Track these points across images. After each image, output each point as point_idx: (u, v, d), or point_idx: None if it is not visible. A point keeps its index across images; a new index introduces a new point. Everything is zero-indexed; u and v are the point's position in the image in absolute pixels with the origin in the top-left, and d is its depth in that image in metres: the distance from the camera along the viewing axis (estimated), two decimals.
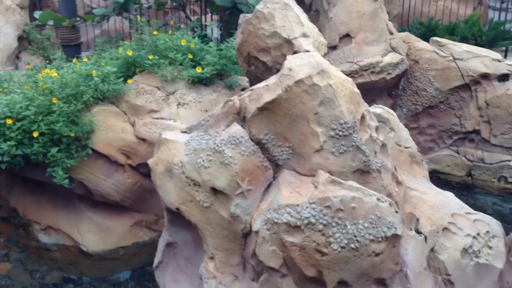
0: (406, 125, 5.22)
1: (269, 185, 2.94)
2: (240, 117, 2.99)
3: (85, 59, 4.85)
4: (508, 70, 4.96)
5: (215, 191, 2.94)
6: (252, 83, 3.39)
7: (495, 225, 3.05)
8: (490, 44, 7.27)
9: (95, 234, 4.42)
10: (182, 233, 3.32)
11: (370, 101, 4.91)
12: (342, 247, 2.56)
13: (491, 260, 2.88)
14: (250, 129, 2.91)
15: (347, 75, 4.80)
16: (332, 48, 5.06)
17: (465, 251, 2.88)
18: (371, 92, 5.11)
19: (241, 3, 5.06)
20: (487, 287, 2.86)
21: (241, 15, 3.36)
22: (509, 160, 4.96)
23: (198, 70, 4.50)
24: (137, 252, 4.48)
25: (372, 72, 4.98)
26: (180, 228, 3.30)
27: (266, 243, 2.74)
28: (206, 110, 4.42)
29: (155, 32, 4.94)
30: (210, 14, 7.28)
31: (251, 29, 3.20)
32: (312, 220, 2.59)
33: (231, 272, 2.99)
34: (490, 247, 2.93)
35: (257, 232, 2.80)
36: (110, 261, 4.42)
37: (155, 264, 3.38)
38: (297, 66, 2.76)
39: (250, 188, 2.88)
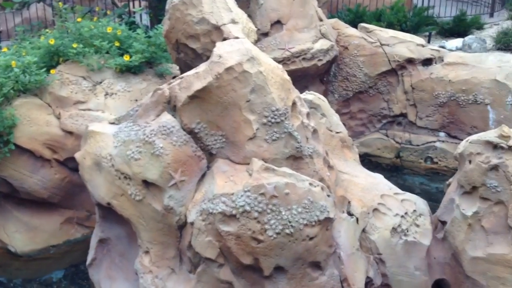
0: (338, 110, 5.35)
1: (203, 175, 2.90)
2: (171, 106, 2.91)
3: (4, 49, 4.56)
4: (431, 55, 5.16)
5: (147, 183, 2.86)
6: (182, 70, 3.32)
7: (422, 204, 3.19)
8: (414, 29, 7.55)
9: (22, 233, 4.20)
10: (115, 229, 3.23)
11: (303, 88, 4.97)
12: (277, 233, 2.58)
13: (418, 238, 3.01)
14: (181, 118, 2.85)
15: (280, 62, 4.85)
16: (264, 35, 5.05)
17: (394, 230, 2.99)
18: (303, 78, 5.16)
19: None
20: (415, 264, 2.98)
21: (168, 0, 3.27)
22: (434, 142, 5.19)
23: (126, 58, 4.34)
24: (69, 250, 4.30)
25: (303, 59, 5.02)
26: (112, 223, 3.20)
27: (201, 234, 2.71)
28: (136, 100, 4.28)
29: (79, 19, 4.71)
30: (138, 0, 7.06)
31: (178, 15, 3.12)
32: (247, 208, 2.58)
33: (167, 266, 2.94)
34: (417, 225, 3.05)
35: (192, 223, 2.76)
36: (41, 261, 4.23)
37: (88, 261, 3.27)
38: (227, 53, 2.72)
39: (184, 179, 2.82)
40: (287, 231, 2.58)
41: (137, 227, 2.95)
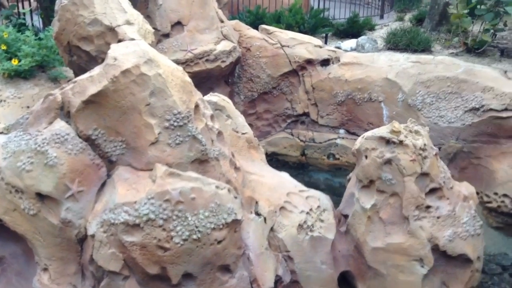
0: (244, 111, 5.39)
1: (103, 184, 2.75)
2: (64, 112, 2.73)
3: None
4: (328, 55, 5.36)
5: (41, 196, 2.66)
6: (76, 74, 3.14)
7: (325, 199, 3.29)
8: (312, 31, 7.84)
9: None
10: (9, 246, 2.99)
11: (208, 89, 4.94)
12: (184, 240, 2.52)
13: (323, 233, 3.10)
14: (76, 124, 2.68)
15: (183, 63, 4.78)
16: (165, 36, 4.94)
17: (300, 227, 3.05)
18: (208, 80, 5.13)
19: None
20: (321, 258, 3.07)
21: (57, 1, 3.07)
22: (335, 139, 5.40)
23: (14, 62, 4.02)
24: None
25: (207, 60, 4.99)
26: (6, 240, 2.96)
27: (104, 246, 2.57)
28: (28, 107, 3.99)
29: None
30: (28, 0, 6.59)
31: (69, 16, 2.94)
32: (152, 216, 2.49)
33: (68, 282, 2.76)
34: (322, 221, 3.15)
35: (93, 236, 2.61)
36: None
37: None
38: (122, 55, 2.60)
39: (82, 189, 2.66)
40: (194, 236, 2.53)
41: (33, 243, 2.75)
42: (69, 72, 4.36)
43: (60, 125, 2.69)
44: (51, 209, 2.67)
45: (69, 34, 2.96)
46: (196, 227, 2.53)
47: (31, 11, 6.24)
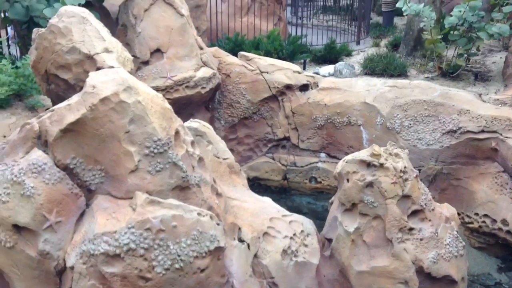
0: (225, 137, 5.39)
1: (82, 214, 2.69)
2: (41, 141, 2.68)
3: None
4: (307, 81, 5.43)
5: (18, 228, 2.59)
6: (54, 102, 3.10)
7: (308, 224, 3.28)
8: (290, 57, 7.93)
9: None
10: None
11: (189, 115, 4.94)
12: (166, 269, 2.46)
13: (307, 258, 3.07)
14: (54, 154, 2.63)
15: (163, 90, 4.78)
16: (144, 63, 4.95)
17: (284, 252, 3.02)
18: (188, 106, 5.13)
19: (38, 17, 4.61)
20: (307, 283, 3.04)
21: (34, 30, 3.05)
22: (316, 162, 5.43)
23: None
24: None
25: (187, 87, 5.00)
26: None
27: (83, 278, 2.49)
28: (5, 136, 3.91)
29: None
30: (5, 28, 6.54)
31: (46, 45, 2.91)
32: (132, 245, 2.43)
33: None
34: (306, 245, 3.12)
35: (72, 267, 2.54)
36: None
37: None
38: (101, 83, 2.58)
39: (60, 219, 2.60)
40: (176, 265, 2.47)
41: (10, 276, 2.65)
42: (47, 101, 4.32)
43: (37, 155, 2.63)
44: (29, 241, 2.59)
45: (46, 62, 2.93)
46: (178, 255, 2.48)
47: (8, 39, 6.19)
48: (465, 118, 4.55)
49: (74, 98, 2.66)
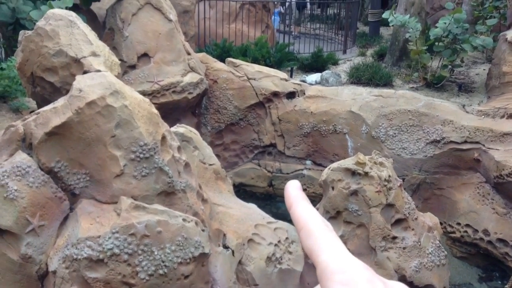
0: (211, 142, 5.39)
1: (65, 218, 2.66)
2: (26, 144, 2.65)
3: None
4: (294, 88, 5.46)
5: (0, 231, 2.54)
6: (39, 105, 3.07)
7: (293, 231, 3.28)
8: (277, 64, 7.98)
9: None
10: None
11: (176, 121, 4.92)
12: (150, 275, 2.44)
13: (292, 265, 3.08)
14: (38, 157, 2.60)
15: (149, 94, 4.76)
16: (131, 67, 4.93)
17: (269, 259, 3.02)
18: (175, 111, 5.12)
19: (24, 19, 4.58)
20: None
21: (21, 32, 3.03)
22: (302, 169, 5.45)
23: None
24: None
25: (174, 92, 4.99)
26: None
27: (65, 283, 2.46)
28: None
29: None
30: None
31: (33, 47, 2.89)
32: (116, 251, 2.41)
33: None
34: (290, 253, 3.13)
35: (54, 272, 2.50)
36: None
37: None
38: (88, 86, 2.57)
39: (43, 223, 2.57)
40: (160, 271, 2.46)
41: None
42: (32, 103, 4.28)
43: (22, 157, 2.60)
44: (11, 244, 2.55)
45: (33, 65, 2.90)
46: (163, 261, 2.47)
47: None
48: (448, 129, 4.61)
49: (60, 101, 2.64)
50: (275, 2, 11.68)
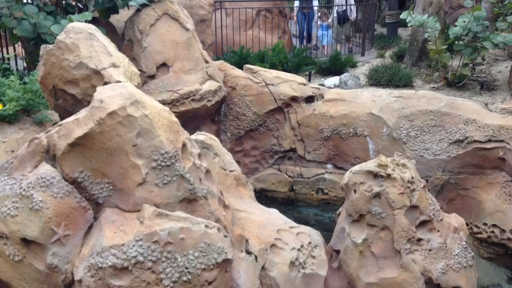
0: (231, 149, 5.40)
1: (90, 227, 2.70)
2: (50, 155, 2.70)
3: None
4: (312, 92, 5.45)
5: (26, 241, 2.60)
6: (62, 117, 3.13)
7: (316, 235, 3.26)
8: (295, 69, 7.97)
9: None
10: None
11: (195, 128, 4.96)
12: (174, 282, 2.46)
13: (315, 269, 3.06)
14: (62, 168, 2.65)
15: (169, 103, 4.81)
16: (151, 77, 4.99)
17: (292, 264, 3.01)
18: (195, 119, 5.16)
19: (45, 34, 4.68)
20: None
21: (42, 46, 3.09)
22: (323, 173, 5.42)
23: None
24: None
25: (193, 100, 5.03)
26: None
27: None
28: (13, 151, 3.94)
29: None
30: (13, 45, 6.63)
31: (54, 61, 2.95)
32: (140, 258, 2.44)
33: None
34: (313, 257, 3.11)
35: (80, 281, 2.54)
36: None
37: None
38: (109, 97, 2.61)
39: (68, 233, 2.61)
40: (184, 278, 2.47)
41: None
42: (55, 116, 4.36)
43: (46, 169, 2.65)
44: (37, 254, 2.60)
45: (54, 78, 2.97)
46: (186, 268, 2.48)
47: (15, 56, 6.28)
48: (471, 128, 4.53)
49: (82, 113, 2.68)
50: (293, 8, 11.68)
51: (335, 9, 11.38)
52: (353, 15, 11.35)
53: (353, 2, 11.33)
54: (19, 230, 2.57)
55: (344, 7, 11.17)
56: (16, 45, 6.73)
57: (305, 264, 3.05)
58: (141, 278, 2.43)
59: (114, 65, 2.91)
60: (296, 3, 11.59)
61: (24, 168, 2.70)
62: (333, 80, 7.87)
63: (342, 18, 11.25)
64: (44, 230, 2.56)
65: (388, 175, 2.92)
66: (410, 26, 8.13)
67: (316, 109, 5.34)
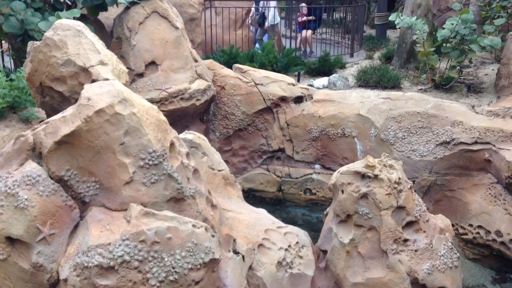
0: (220, 148, 5.39)
1: (76, 226, 2.67)
2: (36, 153, 2.67)
3: None
4: (301, 93, 5.47)
5: (11, 240, 2.57)
6: (48, 115, 3.09)
7: (303, 235, 3.27)
8: (284, 69, 7.98)
9: None
10: None
11: (184, 127, 4.94)
12: (161, 281, 2.44)
13: (302, 269, 3.06)
14: (48, 166, 2.62)
15: (157, 102, 4.79)
16: (139, 75, 4.96)
17: (279, 264, 3.01)
18: (183, 118, 5.14)
19: (33, 30, 4.63)
20: None
21: (29, 43, 3.06)
22: (311, 174, 5.44)
23: None
24: None
25: (181, 99, 5.01)
26: None
27: None
28: None
29: None
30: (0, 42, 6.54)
31: (41, 57, 2.92)
32: (127, 257, 2.42)
33: None
34: (301, 257, 3.11)
35: (65, 280, 2.51)
36: None
37: None
38: (96, 95, 2.59)
39: (54, 232, 2.58)
40: (171, 278, 2.46)
41: None
42: (41, 113, 4.31)
43: (32, 167, 2.62)
44: (22, 253, 2.57)
45: (41, 75, 2.93)
46: (173, 267, 2.47)
47: (2, 52, 6.20)
48: (458, 130, 4.58)
49: (69, 110, 2.66)
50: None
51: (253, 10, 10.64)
52: (274, 21, 10.27)
53: (273, 5, 10.48)
54: (4, 228, 2.54)
55: (261, 10, 10.41)
56: (3, 42, 6.65)
57: (292, 264, 3.05)
58: (127, 278, 2.41)
59: (102, 63, 2.88)
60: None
61: (9, 166, 2.66)
62: (322, 81, 7.90)
63: (258, 23, 10.52)
64: (29, 229, 2.53)
65: (376, 176, 2.93)
66: (399, 28, 8.18)
67: (305, 110, 5.35)
